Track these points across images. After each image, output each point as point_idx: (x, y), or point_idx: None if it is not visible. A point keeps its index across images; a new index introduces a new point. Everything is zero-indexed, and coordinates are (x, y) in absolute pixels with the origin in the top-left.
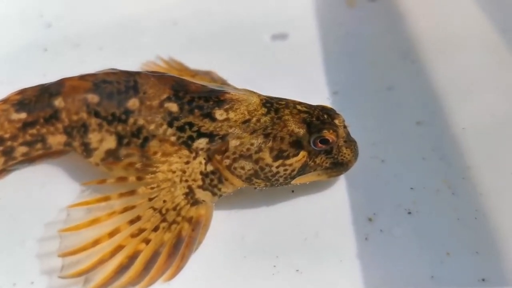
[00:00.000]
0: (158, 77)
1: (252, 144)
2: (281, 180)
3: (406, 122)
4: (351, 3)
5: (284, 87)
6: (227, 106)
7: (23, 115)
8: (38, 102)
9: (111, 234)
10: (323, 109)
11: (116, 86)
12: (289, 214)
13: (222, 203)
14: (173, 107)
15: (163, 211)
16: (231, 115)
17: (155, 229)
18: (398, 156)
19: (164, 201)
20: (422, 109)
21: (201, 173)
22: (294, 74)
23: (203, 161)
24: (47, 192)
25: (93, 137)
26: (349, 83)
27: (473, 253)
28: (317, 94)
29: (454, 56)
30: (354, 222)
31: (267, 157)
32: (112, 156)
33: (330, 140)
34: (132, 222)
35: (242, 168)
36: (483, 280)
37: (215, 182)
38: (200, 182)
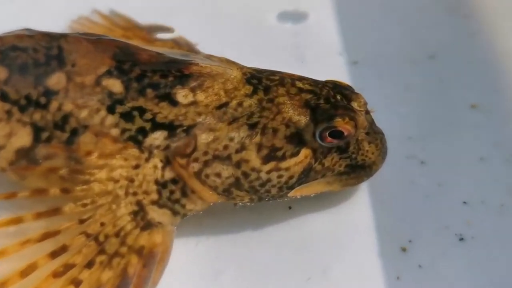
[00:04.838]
0: (94, 41)
1: (231, 139)
2: (273, 191)
3: (456, 106)
4: None
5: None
6: (194, 84)
7: None
8: None
9: (25, 273)
10: (335, 86)
11: (32, 55)
12: (285, 242)
13: (188, 226)
14: (115, 85)
15: (101, 238)
16: (201, 96)
17: (89, 264)
18: (444, 156)
19: (102, 224)
20: (479, 87)
21: (156, 182)
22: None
23: (160, 165)
24: None
25: None
26: (375, 49)
27: None
28: (329, 64)
29: None
30: (380, 254)
31: (253, 158)
32: (26, 157)
33: (346, 133)
34: (55, 254)
35: (218, 175)
36: None
37: (177, 195)
38: (154, 196)
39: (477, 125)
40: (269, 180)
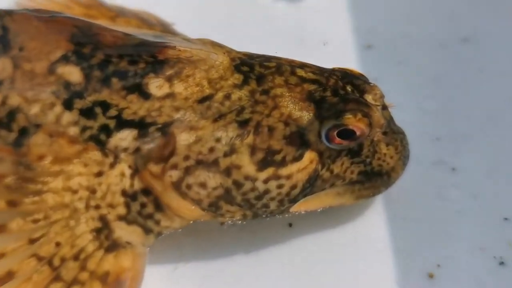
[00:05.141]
0: (47, 20)
1: (218, 140)
2: (272, 205)
3: (496, 100)
4: None
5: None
6: (170, 72)
7: None
8: None
9: None
10: (344, 75)
11: None
12: (285, 267)
13: (164, 247)
14: (73, 73)
15: (56, 262)
16: (179, 87)
17: None
18: (480, 162)
19: (58, 245)
20: None
21: (123, 193)
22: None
23: (128, 172)
24: None
25: None
26: (394, 30)
27: None
28: (336, 49)
29: None
30: (402, 282)
31: (246, 164)
32: None
33: (358, 132)
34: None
35: (202, 185)
36: None
37: (150, 209)
38: (121, 210)
39: None
40: (267, 191)
